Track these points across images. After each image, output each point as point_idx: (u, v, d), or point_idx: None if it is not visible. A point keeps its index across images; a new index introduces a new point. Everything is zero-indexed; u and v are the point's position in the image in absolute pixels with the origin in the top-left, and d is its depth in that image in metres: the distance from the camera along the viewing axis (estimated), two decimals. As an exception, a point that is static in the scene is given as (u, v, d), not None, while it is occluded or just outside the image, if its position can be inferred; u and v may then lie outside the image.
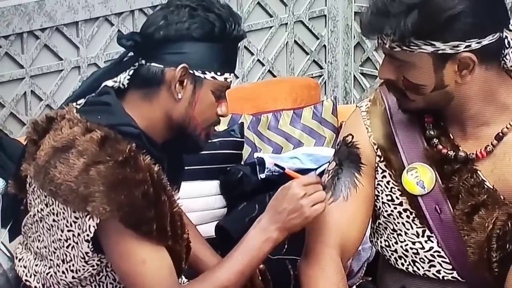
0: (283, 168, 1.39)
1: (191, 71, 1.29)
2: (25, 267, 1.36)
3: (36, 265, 1.34)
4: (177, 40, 1.28)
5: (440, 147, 1.34)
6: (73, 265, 1.29)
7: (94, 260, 1.28)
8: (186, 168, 1.60)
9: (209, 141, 1.93)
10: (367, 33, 1.31)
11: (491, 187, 1.33)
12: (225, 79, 1.31)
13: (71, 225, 1.27)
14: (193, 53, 1.28)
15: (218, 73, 1.30)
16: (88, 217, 1.25)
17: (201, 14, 1.28)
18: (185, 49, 1.28)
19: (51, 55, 2.09)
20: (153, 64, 1.29)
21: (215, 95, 1.31)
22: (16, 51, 2.05)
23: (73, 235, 1.28)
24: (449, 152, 1.34)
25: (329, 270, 1.35)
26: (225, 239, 1.50)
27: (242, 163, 2.00)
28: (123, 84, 1.32)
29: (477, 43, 1.27)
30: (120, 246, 1.25)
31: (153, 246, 1.26)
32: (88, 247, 1.27)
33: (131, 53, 1.31)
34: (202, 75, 1.29)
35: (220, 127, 2.05)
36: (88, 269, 1.29)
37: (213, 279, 1.28)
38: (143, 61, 1.30)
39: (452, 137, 1.35)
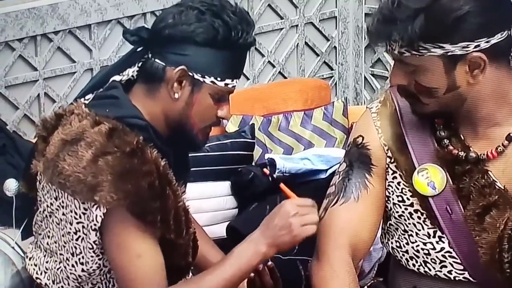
0: (278, 182, 1.40)
1: (190, 73, 1.30)
2: (35, 265, 1.37)
3: (47, 262, 1.36)
4: (180, 42, 1.29)
5: (451, 147, 1.34)
6: (82, 257, 1.31)
7: (100, 249, 1.30)
8: (197, 169, 1.61)
9: (220, 142, 1.99)
10: (375, 40, 1.31)
11: (502, 188, 1.33)
12: (226, 84, 1.32)
13: (80, 217, 1.29)
14: (194, 57, 1.29)
15: (219, 79, 1.31)
16: (95, 207, 1.26)
17: (208, 19, 1.29)
18: (187, 52, 1.29)
19: (64, 57, 2.11)
20: (157, 60, 1.31)
21: (213, 98, 1.32)
22: (30, 53, 2.06)
23: (83, 226, 1.29)
24: (460, 153, 1.34)
25: (341, 271, 1.35)
26: (236, 240, 1.51)
27: (253, 164, 2.00)
28: (132, 76, 1.34)
29: (486, 42, 1.27)
30: (120, 237, 1.27)
31: (150, 242, 1.27)
32: (96, 235, 1.28)
33: (141, 47, 1.32)
34: (201, 79, 1.31)
35: (231, 128, 2.07)
36: (95, 261, 1.30)
37: (200, 283, 1.31)
38: (150, 55, 1.32)
39: (463, 138, 1.35)
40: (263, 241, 1.31)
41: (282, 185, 1.38)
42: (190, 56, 1.29)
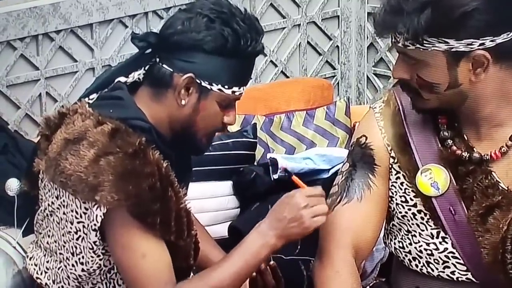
0: (290, 174, 1.39)
1: (198, 81, 1.30)
2: (36, 265, 1.37)
3: (47, 262, 1.36)
4: (188, 49, 1.29)
5: (454, 148, 1.34)
6: (82, 257, 1.30)
7: (100, 249, 1.29)
8: (199, 168, 1.60)
9: (222, 141, 1.98)
10: (381, 31, 1.30)
11: (506, 188, 1.32)
12: (233, 92, 1.32)
13: (81, 216, 1.29)
14: (202, 64, 1.29)
15: (226, 86, 1.31)
16: (96, 206, 1.26)
17: (217, 27, 1.28)
18: (195, 59, 1.29)
19: (66, 57, 2.10)
20: (164, 65, 1.31)
21: (220, 105, 1.32)
22: (32, 53, 2.06)
23: (83, 226, 1.29)
24: (463, 153, 1.33)
25: (343, 271, 1.35)
26: (238, 240, 1.51)
27: (255, 163, 2.00)
28: (138, 79, 1.34)
29: (491, 41, 1.26)
30: (123, 237, 1.27)
31: (154, 241, 1.27)
32: (96, 235, 1.28)
33: (149, 50, 1.32)
34: (208, 86, 1.30)
35: (233, 128, 2.06)
36: (96, 261, 1.30)
37: (208, 278, 1.30)
38: (158, 60, 1.32)
39: (466, 138, 1.34)
40: (272, 233, 1.30)
41: (294, 177, 1.36)
42: (198, 64, 1.29)
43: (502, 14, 1.27)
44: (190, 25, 1.29)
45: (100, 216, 1.27)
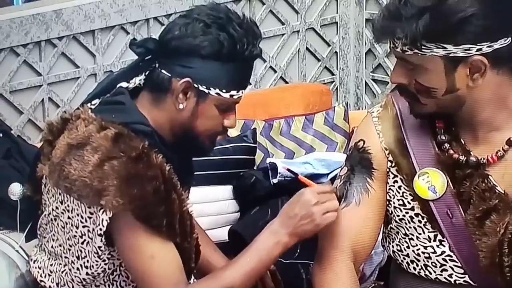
0: (296, 174, 1.40)
1: (195, 85, 1.31)
2: (39, 268, 1.38)
3: (51, 265, 1.37)
4: (186, 54, 1.30)
5: (452, 152, 1.35)
6: (87, 261, 1.31)
7: (105, 254, 1.31)
8: (199, 173, 1.61)
9: (222, 146, 2.00)
10: (379, 36, 1.31)
11: (503, 192, 1.33)
12: (231, 96, 1.33)
13: (86, 220, 1.30)
14: (199, 69, 1.30)
15: (224, 90, 1.32)
16: (101, 211, 1.27)
17: (213, 32, 1.29)
18: (192, 64, 1.30)
19: (68, 63, 2.12)
20: (163, 70, 1.32)
21: (219, 109, 1.33)
22: (34, 59, 2.07)
23: (88, 230, 1.30)
24: (460, 157, 1.34)
25: (342, 275, 1.36)
26: (238, 243, 1.52)
27: (255, 168, 2.01)
28: (139, 84, 1.36)
29: (489, 46, 1.27)
30: (131, 240, 1.28)
31: (162, 242, 1.28)
32: (101, 241, 1.29)
33: (149, 56, 1.34)
34: (206, 90, 1.31)
35: (233, 133, 2.07)
36: (101, 265, 1.31)
37: (221, 278, 1.30)
38: (157, 65, 1.33)
39: (463, 142, 1.36)
40: (284, 231, 1.30)
41: (300, 177, 1.37)
42: (195, 69, 1.30)
43: (499, 19, 1.28)
44: (187, 30, 1.30)
45: (106, 220, 1.28)
